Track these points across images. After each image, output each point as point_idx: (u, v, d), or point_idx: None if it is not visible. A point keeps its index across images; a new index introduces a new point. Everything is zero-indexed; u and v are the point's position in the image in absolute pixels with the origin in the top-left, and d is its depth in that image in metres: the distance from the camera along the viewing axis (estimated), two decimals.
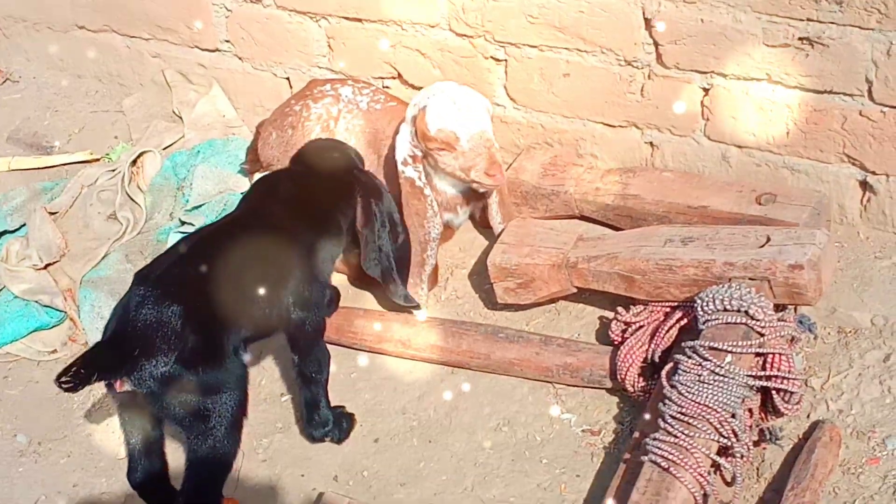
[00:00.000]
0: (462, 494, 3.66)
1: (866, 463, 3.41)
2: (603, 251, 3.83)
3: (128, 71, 5.43)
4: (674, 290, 3.66)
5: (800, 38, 3.80)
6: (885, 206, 3.96)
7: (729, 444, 3.27)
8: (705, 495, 3.20)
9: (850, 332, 3.76)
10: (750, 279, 3.50)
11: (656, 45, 4.06)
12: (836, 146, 3.94)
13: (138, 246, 4.61)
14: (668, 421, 3.28)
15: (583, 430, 3.76)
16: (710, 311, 3.44)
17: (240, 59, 5.07)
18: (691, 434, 3.24)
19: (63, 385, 3.20)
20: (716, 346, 3.35)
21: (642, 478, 3.23)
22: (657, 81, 4.14)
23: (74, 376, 3.21)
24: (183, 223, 4.58)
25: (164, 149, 5.01)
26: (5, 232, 4.77)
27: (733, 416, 3.27)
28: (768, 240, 3.56)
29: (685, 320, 3.62)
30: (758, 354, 3.39)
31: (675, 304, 3.68)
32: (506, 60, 4.40)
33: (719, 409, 3.26)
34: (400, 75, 4.67)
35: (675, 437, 3.24)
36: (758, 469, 3.49)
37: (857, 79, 3.79)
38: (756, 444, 3.49)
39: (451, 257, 4.37)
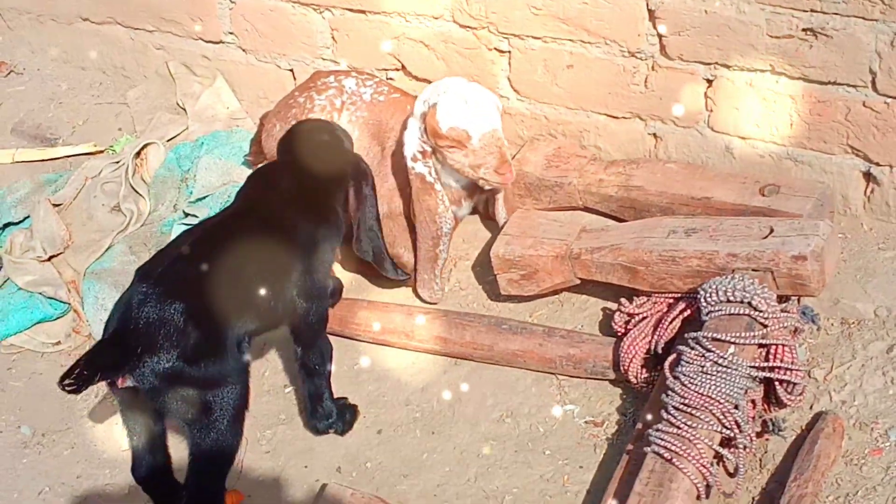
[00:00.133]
0: (465, 486, 3.66)
1: (869, 454, 3.41)
2: (606, 242, 3.83)
3: (132, 63, 5.43)
4: (677, 281, 3.66)
5: (803, 29, 3.79)
6: (889, 198, 3.96)
7: (732, 435, 3.27)
8: (708, 486, 3.20)
9: (853, 323, 3.75)
10: (753, 270, 3.50)
11: (660, 36, 4.06)
12: (840, 137, 3.93)
13: (142, 238, 4.61)
14: (671, 412, 3.28)
15: (586, 422, 3.76)
16: (713, 303, 3.44)
17: (244, 50, 5.07)
18: (694, 425, 3.24)
19: (67, 387, 3.20)
20: (719, 337, 3.34)
21: (645, 469, 3.23)
22: (661, 73, 4.14)
23: (77, 378, 3.21)
24: (187, 215, 4.58)
25: (168, 141, 5.01)
26: (9, 224, 4.77)
27: (736, 407, 3.27)
28: (771, 231, 3.56)
29: (688, 311, 3.61)
30: (761, 345, 3.38)
31: (679, 295, 3.68)
32: (509, 52, 4.40)
33: (722, 400, 3.26)
34: (404, 67, 4.67)
35: (678, 428, 3.24)
36: (760, 460, 3.49)
37: (860, 70, 3.78)
38: (759, 435, 3.48)
39: (455, 249, 4.36)
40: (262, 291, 3.58)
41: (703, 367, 3.31)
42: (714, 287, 3.45)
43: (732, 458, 3.29)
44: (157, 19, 5.21)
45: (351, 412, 3.90)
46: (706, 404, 3.26)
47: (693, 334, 3.40)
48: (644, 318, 3.73)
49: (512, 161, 4.06)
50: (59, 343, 4.41)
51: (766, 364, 3.36)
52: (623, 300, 3.80)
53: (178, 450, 3.64)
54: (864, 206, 4.03)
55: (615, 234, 3.87)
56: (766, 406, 3.47)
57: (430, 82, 4.30)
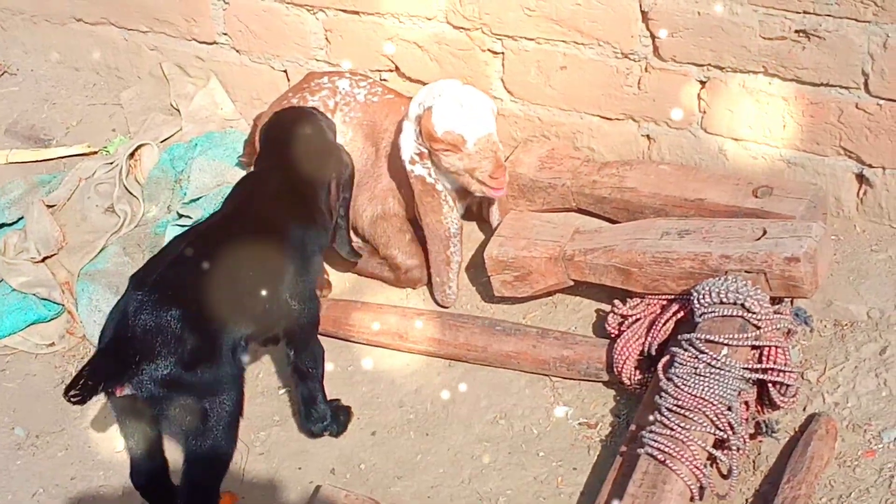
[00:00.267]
0: (459, 487, 3.67)
1: (862, 456, 3.42)
2: (600, 244, 3.84)
3: (125, 64, 5.43)
4: (670, 282, 3.66)
5: (796, 31, 3.80)
6: (882, 199, 3.96)
7: (725, 436, 3.28)
8: (701, 488, 3.21)
9: (846, 325, 3.76)
10: (746, 272, 3.50)
11: (653, 37, 4.06)
12: (833, 139, 3.94)
13: (136, 239, 4.61)
14: (665, 413, 3.29)
15: (579, 423, 3.77)
16: (706, 304, 3.45)
17: (237, 51, 5.07)
18: (687, 427, 3.24)
19: (72, 399, 3.20)
20: (712, 338, 3.35)
21: (639, 470, 3.24)
22: (654, 74, 4.14)
23: (83, 388, 3.20)
24: (181, 216, 4.58)
25: (162, 142, 5.00)
26: (3, 225, 4.77)
27: (729, 408, 3.28)
28: (764, 232, 3.57)
29: (682, 313, 3.62)
30: (754, 347, 3.39)
31: (672, 296, 3.68)
32: (503, 53, 4.40)
33: (715, 402, 3.27)
34: (397, 68, 4.67)
35: (672, 429, 3.25)
36: (754, 462, 3.49)
37: (853, 71, 3.79)
38: (752, 436, 3.49)
39: None
40: (257, 295, 3.58)
41: (696, 368, 3.32)
42: (707, 289, 3.46)
43: (726, 460, 3.30)
44: (151, 20, 5.20)
45: (345, 414, 3.91)
46: (699, 406, 3.27)
47: (686, 336, 3.41)
48: (637, 320, 3.74)
49: (504, 159, 4.06)
50: (53, 344, 4.41)
51: (759, 366, 3.37)
52: (616, 302, 3.80)
53: (174, 453, 3.64)
54: (856, 207, 4.03)
55: (608, 236, 3.88)
56: (759, 408, 3.48)
57: (423, 83, 4.31)
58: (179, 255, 3.53)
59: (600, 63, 4.21)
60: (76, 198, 4.79)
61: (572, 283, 3.96)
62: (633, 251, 3.72)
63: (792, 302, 3.64)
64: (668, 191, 4.01)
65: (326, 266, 4.32)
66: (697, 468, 3.19)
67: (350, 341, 4.16)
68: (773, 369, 3.37)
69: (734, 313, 3.40)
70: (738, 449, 3.31)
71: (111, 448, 3.96)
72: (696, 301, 3.47)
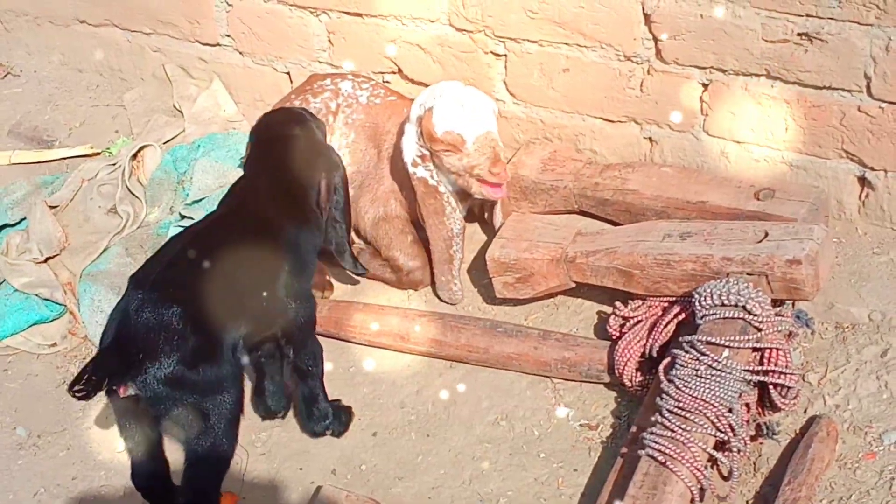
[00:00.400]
0: (460, 488, 3.67)
1: (863, 458, 3.42)
2: (601, 246, 3.84)
3: (128, 65, 5.43)
4: (672, 284, 3.66)
5: (799, 34, 3.80)
6: (884, 202, 3.97)
7: (726, 438, 3.28)
8: (702, 489, 3.21)
9: (847, 327, 3.76)
10: (748, 274, 3.50)
11: (656, 40, 4.07)
12: (835, 142, 3.94)
13: (138, 240, 4.61)
14: (666, 415, 3.29)
15: (580, 425, 3.77)
16: (707, 306, 3.45)
17: (240, 53, 5.08)
18: (688, 428, 3.24)
19: (77, 394, 3.21)
20: (713, 340, 3.36)
21: (639, 472, 3.24)
22: (656, 77, 4.14)
23: (87, 384, 3.21)
24: (183, 217, 4.58)
25: (165, 143, 5.01)
26: (6, 225, 4.77)
27: (730, 410, 3.28)
28: (766, 235, 3.57)
29: (683, 315, 3.62)
30: (755, 349, 3.39)
31: (673, 298, 3.69)
32: (506, 55, 4.40)
33: (716, 404, 3.27)
34: (400, 70, 4.68)
35: (672, 431, 3.25)
36: (755, 464, 3.49)
37: (855, 74, 3.79)
38: (753, 438, 3.49)
39: None
40: (253, 294, 3.59)
41: (697, 370, 3.32)
42: (709, 291, 3.46)
43: (726, 462, 3.30)
44: (154, 22, 5.21)
45: (346, 414, 3.91)
46: (700, 408, 3.27)
47: (688, 338, 3.41)
48: (639, 322, 3.74)
49: (507, 164, 4.07)
50: (55, 345, 4.41)
51: (760, 368, 3.37)
52: (618, 304, 3.81)
53: (175, 454, 3.64)
54: (858, 210, 4.03)
55: (610, 238, 3.88)
56: (760, 410, 3.48)
57: (426, 85, 4.31)
58: (177, 254, 3.54)
59: (603, 66, 4.22)
60: (79, 199, 4.79)
61: (574, 285, 3.97)
62: (634, 253, 3.72)
63: (793, 304, 3.64)
64: (670, 193, 4.01)
65: (328, 267, 4.33)
66: (698, 470, 3.19)
67: (351, 342, 4.16)
68: (774, 371, 3.37)
69: (735, 315, 3.40)
70: (739, 451, 3.31)
71: (112, 448, 3.96)
72: (697, 303, 3.47)
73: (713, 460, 3.29)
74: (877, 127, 3.84)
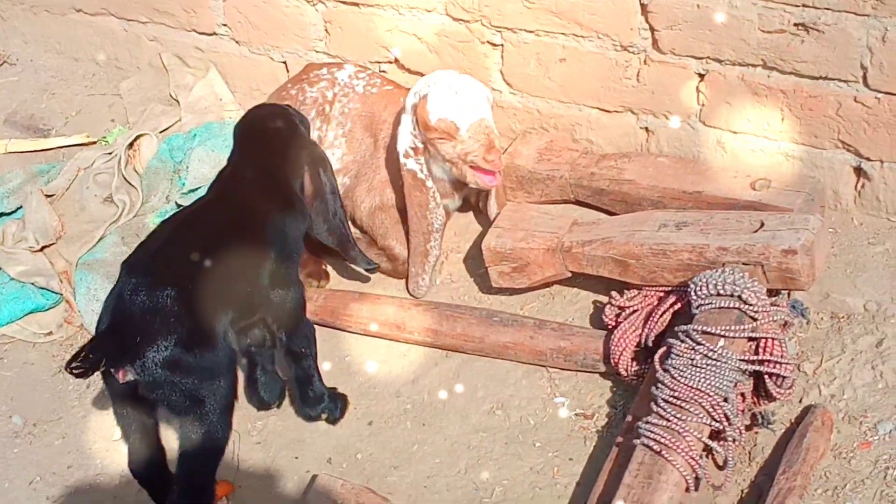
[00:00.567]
0: (455, 477, 3.67)
1: (858, 447, 3.42)
2: (597, 236, 3.84)
3: (125, 54, 5.43)
4: (667, 274, 3.67)
5: (795, 24, 3.80)
6: (879, 192, 3.97)
7: (721, 428, 3.28)
8: (697, 479, 3.21)
9: (842, 317, 3.76)
10: (743, 264, 3.51)
11: (652, 30, 4.07)
12: (831, 132, 3.94)
13: (134, 229, 4.61)
14: (661, 405, 3.29)
15: (576, 414, 3.77)
16: (703, 296, 3.45)
17: (237, 42, 5.07)
18: (684, 418, 3.25)
19: (74, 371, 3.21)
20: (709, 330, 3.36)
21: (634, 461, 3.24)
22: (653, 67, 4.14)
23: (84, 361, 3.21)
24: (179, 206, 4.58)
25: (161, 132, 5.00)
26: (2, 214, 4.77)
27: (725, 400, 3.28)
28: (762, 225, 3.57)
29: (679, 305, 3.62)
30: (750, 339, 3.40)
31: (669, 288, 3.69)
32: (502, 45, 4.40)
33: (712, 394, 3.27)
34: (397, 60, 4.68)
35: (668, 420, 3.25)
36: (750, 453, 3.50)
37: (852, 65, 3.79)
38: (748, 428, 3.49)
39: (447, 241, 4.37)
40: (241, 279, 3.60)
41: (692, 360, 3.32)
42: (704, 280, 3.46)
43: (722, 451, 3.30)
44: (151, 11, 5.20)
45: (342, 401, 3.91)
46: (696, 397, 3.27)
47: (683, 327, 3.41)
48: (634, 311, 3.74)
49: (502, 151, 4.07)
50: (50, 333, 4.41)
51: (755, 357, 3.37)
52: (614, 293, 3.80)
53: (172, 442, 3.65)
54: (854, 200, 4.04)
55: (606, 228, 3.88)
56: (755, 399, 3.49)
57: (422, 75, 4.31)
58: (168, 239, 3.55)
59: (599, 55, 4.22)
60: (75, 188, 4.79)
61: (570, 275, 3.97)
62: (630, 243, 3.72)
63: (789, 294, 3.64)
64: (667, 183, 4.02)
65: (329, 260, 4.33)
66: (693, 459, 3.20)
67: (347, 331, 4.16)
68: (769, 361, 3.37)
69: (731, 305, 3.41)
70: (734, 440, 3.31)
71: (108, 437, 3.96)
72: (693, 293, 3.47)
73: (708, 449, 3.30)
74: (873, 117, 3.84)
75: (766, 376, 3.39)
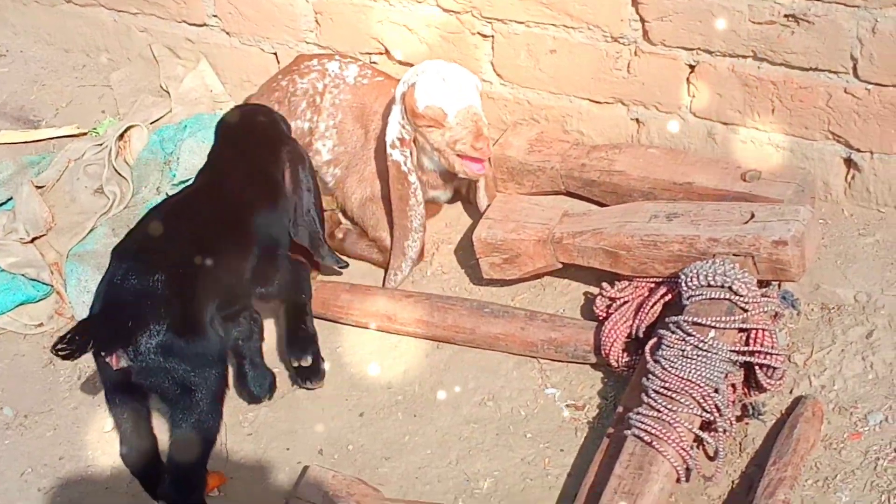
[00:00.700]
0: (446, 468, 3.68)
1: (848, 438, 3.43)
2: (588, 227, 3.84)
3: (115, 45, 5.42)
4: (658, 265, 3.67)
5: (785, 16, 3.80)
6: (870, 184, 3.97)
7: (712, 418, 3.29)
8: (688, 469, 3.22)
9: (833, 308, 3.77)
10: (734, 255, 3.51)
11: (643, 21, 4.07)
12: (822, 123, 3.95)
13: (125, 220, 4.60)
14: (652, 395, 3.30)
15: (567, 405, 3.78)
16: (693, 287, 3.45)
17: (227, 33, 5.07)
18: (674, 409, 3.25)
19: (60, 352, 3.23)
20: (699, 321, 3.36)
21: (625, 452, 3.25)
22: (644, 58, 4.14)
23: (70, 343, 3.22)
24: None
25: (152, 123, 5.00)
26: None
27: (716, 391, 3.29)
28: (752, 216, 3.58)
29: (669, 296, 3.63)
30: (741, 330, 3.40)
31: (660, 279, 3.69)
32: (493, 36, 4.40)
33: (702, 384, 3.28)
34: (387, 51, 4.67)
35: (658, 411, 3.26)
36: (740, 444, 3.50)
37: (842, 56, 3.80)
38: (739, 419, 3.50)
39: (437, 232, 4.37)
40: (227, 266, 3.62)
41: (683, 351, 3.33)
42: (695, 271, 3.46)
43: (712, 442, 3.31)
44: (141, 2, 5.20)
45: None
46: (686, 388, 3.28)
47: (674, 318, 3.42)
48: (625, 303, 3.74)
49: (491, 139, 4.07)
50: (41, 325, 4.41)
51: (746, 348, 3.38)
52: (604, 284, 3.81)
53: (164, 434, 3.65)
54: (844, 191, 4.04)
55: (597, 219, 3.88)
56: (746, 390, 3.49)
57: (413, 66, 4.31)
58: (157, 226, 3.58)
59: (590, 47, 4.22)
60: (65, 179, 4.79)
61: (561, 266, 3.97)
62: (621, 234, 3.72)
63: (779, 285, 3.65)
64: (657, 174, 4.02)
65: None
66: (684, 450, 3.21)
67: (339, 323, 4.16)
68: (759, 352, 3.37)
69: (721, 296, 3.41)
70: (725, 431, 3.32)
71: (99, 428, 3.96)
72: (683, 284, 3.48)
73: (699, 440, 3.31)
74: (863, 108, 3.85)
75: (756, 367, 3.40)
